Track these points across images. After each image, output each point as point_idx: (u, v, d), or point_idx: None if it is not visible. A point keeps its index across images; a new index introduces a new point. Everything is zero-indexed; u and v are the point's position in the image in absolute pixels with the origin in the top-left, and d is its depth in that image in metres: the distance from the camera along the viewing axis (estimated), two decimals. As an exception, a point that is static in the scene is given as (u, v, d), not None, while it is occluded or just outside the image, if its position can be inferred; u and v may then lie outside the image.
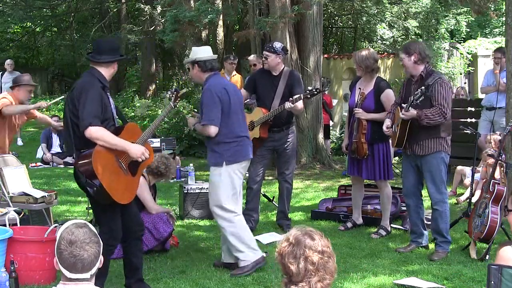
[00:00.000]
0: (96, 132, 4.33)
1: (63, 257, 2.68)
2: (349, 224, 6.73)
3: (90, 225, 2.78)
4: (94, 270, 2.71)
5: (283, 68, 6.69)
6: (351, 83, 6.89)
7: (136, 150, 4.49)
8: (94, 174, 4.30)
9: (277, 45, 6.67)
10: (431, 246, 6.01)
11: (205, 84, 5.34)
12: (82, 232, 2.72)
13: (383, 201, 6.66)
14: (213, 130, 5.23)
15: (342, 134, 13.39)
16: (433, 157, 5.71)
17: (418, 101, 5.50)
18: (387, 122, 5.94)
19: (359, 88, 6.42)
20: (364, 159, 6.42)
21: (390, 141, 6.33)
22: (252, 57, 9.53)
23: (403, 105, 5.67)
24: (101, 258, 2.76)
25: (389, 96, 6.37)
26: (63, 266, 2.68)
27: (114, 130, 4.49)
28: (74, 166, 4.50)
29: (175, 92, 5.09)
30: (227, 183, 5.31)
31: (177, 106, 5.17)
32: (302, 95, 6.35)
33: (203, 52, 5.41)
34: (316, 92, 6.46)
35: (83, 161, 4.37)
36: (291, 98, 6.36)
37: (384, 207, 6.65)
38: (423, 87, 5.50)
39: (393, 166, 9.95)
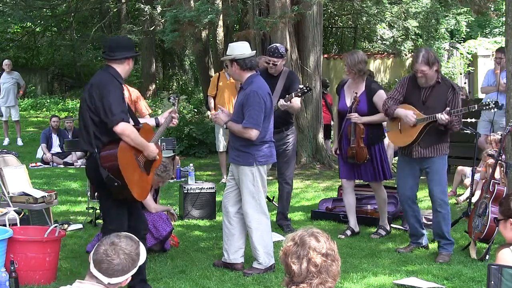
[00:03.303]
0: (127, 129, 4.42)
1: (98, 250, 2.75)
2: (348, 232, 6.61)
3: (142, 247, 2.81)
4: (114, 280, 2.73)
5: (282, 68, 6.70)
6: (337, 86, 6.84)
7: (152, 151, 4.64)
8: (119, 170, 4.37)
9: (282, 48, 6.65)
10: (431, 246, 6.02)
11: (249, 84, 5.30)
12: (129, 243, 2.77)
13: (379, 204, 6.64)
14: (255, 133, 5.22)
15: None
16: (441, 159, 5.77)
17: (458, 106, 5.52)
18: (410, 111, 5.66)
19: (355, 93, 6.34)
20: (364, 163, 6.39)
21: (389, 140, 6.25)
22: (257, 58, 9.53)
23: (448, 109, 5.48)
24: (129, 278, 2.79)
25: (382, 97, 6.30)
26: (93, 258, 2.75)
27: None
28: (91, 162, 4.51)
29: (177, 98, 5.29)
30: (260, 183, 5.35)
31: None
32: (293, 93, 6.34)
33: (241, 50, 5.35)
34: (306, 90, 6.44)
35: (108, 157, 4.42)
36: (287, 96, 6.36)
37: (381, 209, 6.63)
38: (495, 100, 5.50)
39: (392, 166, 9.98)
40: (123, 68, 4.65)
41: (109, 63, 4.65)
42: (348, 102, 6.38)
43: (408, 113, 5.68)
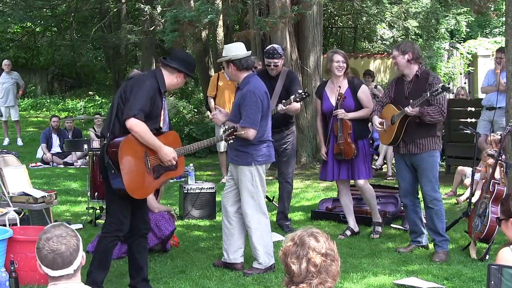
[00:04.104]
0: (136, 125, 4.43)
1: (43, 254, 2.71)
2: (348, 233, 6.59)
3: (66, 225, 2.83)
4: (76, 264, 2.73)
5: (281, 69, 6.70)
6: (317, 89, 6.86)
7: (166, 154, 4.61)
8: (117, 159, 4.40)
9: (279, 49, 6.67)
10: (431, 246, 6.01)
11: (246, 84, 5.31)
12: (58, 228, 2.77)
13: (368, 201, 6.57)
14: (252, 133, 5.21)
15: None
16: (429, 155, 5.74)
17: (436, 97, 5.51)
18: (379, 119, 5.92)
19: (339, 87, 6.33)
20: (349, 160, 6.35)
21: (380, 138, 6.28)
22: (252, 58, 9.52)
23: (411, 101, 5.56)
24: (83, 254, 2.79)
25: (366, 92, 6.42)
26: (44, 265, 2.71)
27: (154, 133, 4.59)
28: (103, 148, 4.58)
29: (231, 129, 5.17)
30: (259, 183, 5.34)
31: (228, 141, 5.23)
32: (292, 98, 6.34)
33: (237, 50, 5.36)
34: (305, 96, 6.44)
35: (113, 144, 4.47)
36: (283, 101, 6.37)
37: (370, 205, 6.60)
38: (442, 84, 5.50)
39: (392, 166, 9.98)
40: (171, 79, 4.69)
41: (161, 67, 4.72)
42: (333, 102, 6.37)
43: (376, 122, 5.92)
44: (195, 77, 4.81)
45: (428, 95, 5.49)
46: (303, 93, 6.40)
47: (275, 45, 6.81)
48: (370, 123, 6.50)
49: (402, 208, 6.93)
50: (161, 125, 4.74)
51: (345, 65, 6.34)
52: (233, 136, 5.18)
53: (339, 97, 6.30)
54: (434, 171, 5.77)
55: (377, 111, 6.00)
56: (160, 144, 4.60)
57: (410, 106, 5.54)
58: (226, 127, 5.29)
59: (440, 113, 5.59)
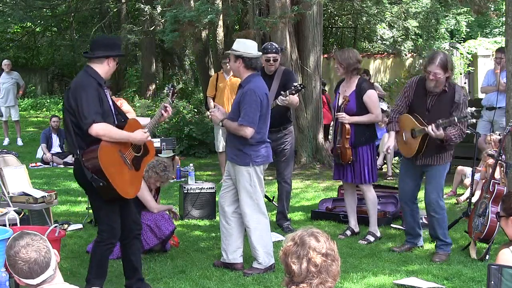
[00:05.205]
0: (101, 129, 4.34)
1: (18, 269, 2.71)
2: (348, 233, 6.57)
3: (25, 230, 2.82)
4: (53, 264, 2.74)
5: (277, 67, 6.71)
6: (336, 86, 6.85)
7: (140, 137, 4.55)
8: (101, 170, 4.32)
9: (276, 44, 6.72)
10: (431, 246, 6.01)
11: (247, 83, 5.30)
12: (21, 239, 2.75)
13: (368, 206, 6.48)
14: (250, 131, 5.20)
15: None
16: (443, 166, 5.72)
17: (465, 121, 5.41)
18: (391, 142, 5.84)
19: (344, 91, 6.30)
20: (349, 164, 6.31)
21: (399, 147, 6.11)
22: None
23: (439, 121, 5.37)
24: (56, 251, 2.80)
25: (371, 97, 6.22)
26: (23, 277, 2.72)
27: (116, 126, 4.51)
28: (77, 164, 4.48)
29: (172, 88, 5.09)
30: (257, 183, 5.34)
31: (175, 101, 5.13)
32: (288, 91, 6.35)
33: (251, 49, 5.31)
34: (300, 88, 6.44)
35: (89, 157, 4.37)
36: (282, 92, 6.38)
37: (370, 212, 6.47)
38: (471, 112, 5.34)
39: (392, 166, 9.99)
40: (103, 68, 4.54)
41: (89, 63, 4.57)
42: (340, 102, 6.33)
43: (390, 145, 5.87)
44: (123, 53, 4.63)
45: (456, 120, 5.33)
46: (298, 86, 6.40)
47: (271, 43, 6.84)
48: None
49: (402, 208, 6.94)
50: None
51: (338, 65, 6.25)
52: (176, 94, 5.11)
53: (343, 100, 6.25)
54: (442, 180, 5.76)
55: (395, 122, 5.80)
56: (129, 134, 4.51)
57: (435, 126, 5.35)
58: (166, 90, 5.23)
59: (460, 136, 5.51)
